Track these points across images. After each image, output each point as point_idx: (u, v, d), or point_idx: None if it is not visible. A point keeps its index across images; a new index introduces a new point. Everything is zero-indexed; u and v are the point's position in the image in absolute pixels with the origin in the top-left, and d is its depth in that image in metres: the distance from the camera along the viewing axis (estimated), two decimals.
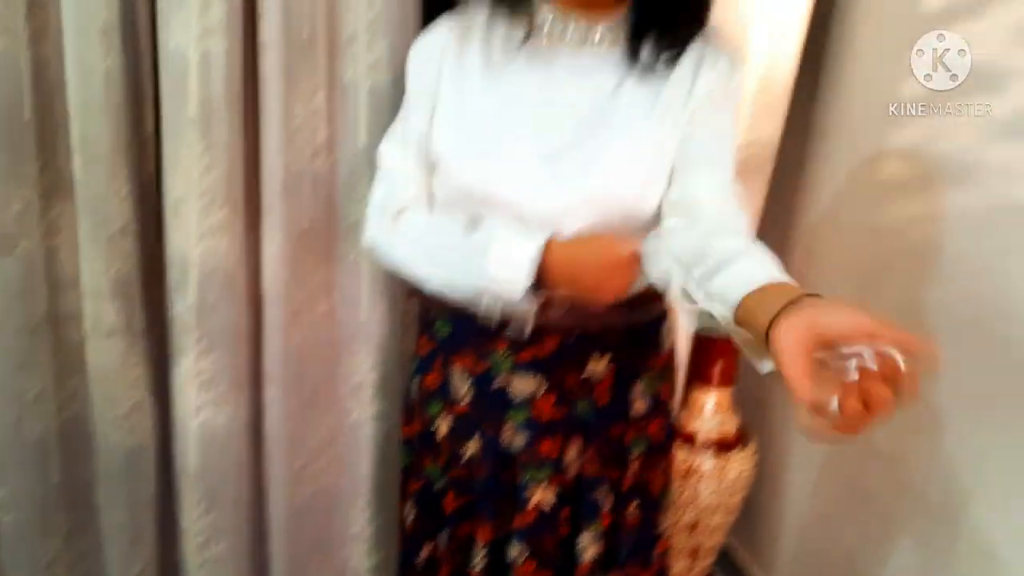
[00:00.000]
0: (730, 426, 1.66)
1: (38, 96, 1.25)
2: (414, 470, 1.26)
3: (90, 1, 1.17)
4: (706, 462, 1.62)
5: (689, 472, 1.63)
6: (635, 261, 0.96)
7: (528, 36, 1.05)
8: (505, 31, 1.06)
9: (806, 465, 1.68)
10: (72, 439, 1.44)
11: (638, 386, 1.13)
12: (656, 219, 1.03)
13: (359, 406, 1.47)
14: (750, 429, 1.72)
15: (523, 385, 1.08)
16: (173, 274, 1.30)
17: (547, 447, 1.10)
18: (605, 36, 1.03)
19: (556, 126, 1.02)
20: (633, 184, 1.01)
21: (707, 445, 1.63)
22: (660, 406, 1.18)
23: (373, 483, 1.51)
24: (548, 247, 0.96)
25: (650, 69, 1.01)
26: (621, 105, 1.02)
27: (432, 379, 1.17)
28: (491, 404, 1.10)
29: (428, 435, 1.19)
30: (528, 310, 1.02)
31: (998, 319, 1.16)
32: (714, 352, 1.60)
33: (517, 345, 1.07)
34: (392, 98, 1.26)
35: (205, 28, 1.17)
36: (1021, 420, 1.13)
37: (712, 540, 1.73)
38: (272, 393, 1.41)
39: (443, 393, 1.15)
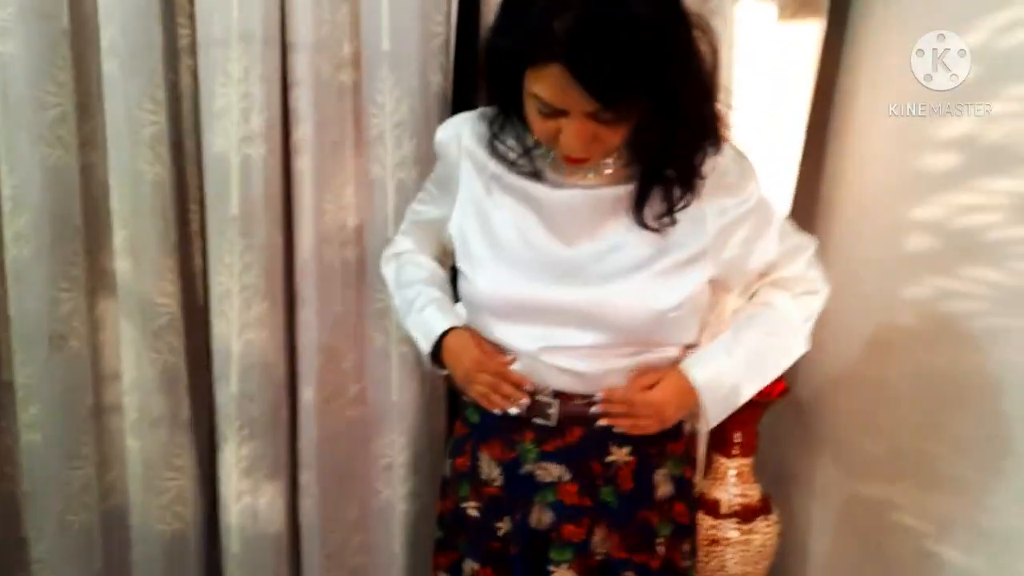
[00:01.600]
0: (753, 495, 1.66)
1: (86, 201, 1.35)
2: (446, 545, 1.27)
3: (139, 113, 1.27)
4: (731, 531, 1.63)
5: (715, 541, 1.65)
6: (499, 372, 1.08)
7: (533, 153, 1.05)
8: (515, 142, 1.05)
9: (828, 534, 1.69)
10: (114, 527, 1.48)
11: (661, 471, 1.15)
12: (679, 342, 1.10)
13: (389, 486, 1.51)
14: (772, 498, 1.74)
15: (549, 472, 1.11)
16: (217, 365, 1.37)
17: (571, 531, 1.12)
18: (606, 166, 1.03)
19: (563, 250, 1.04)
20: (643, 308, 1.03)
21: (731, 514, 1.64)
22: (684, 487, 1.19)
23: (405, 562, 1.54)
24: (448, 334, 1.12)
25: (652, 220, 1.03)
26: (628, 239, 1.03)
27: (462, 462, 1.19)
28: (520, 487, 1.13)
29: (460, 512, 1.22)
30: (553, 403, 1.08)
31: (1004, 390, 1.18)
32: (734, 422, 1.63)
33: (543, 436, 1.10)
34: (417, 192, 1.34)
35: (245, 135, 1.27)
36: None
37: None
38: (306, 478, 1.46)
39: (473, 475, 1.18)
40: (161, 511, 1.45)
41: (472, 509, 1.18)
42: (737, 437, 1.61)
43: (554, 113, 0.91)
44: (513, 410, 1.08)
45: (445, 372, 1.18)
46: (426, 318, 1.16)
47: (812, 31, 1.46)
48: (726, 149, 1.03)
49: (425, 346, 1.15)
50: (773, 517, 1.69)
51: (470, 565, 1.19)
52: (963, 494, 1.26)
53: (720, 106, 0.99)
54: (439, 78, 1.34)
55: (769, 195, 1.11)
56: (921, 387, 1.36)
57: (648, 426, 1.08)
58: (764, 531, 1.66)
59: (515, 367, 1.08)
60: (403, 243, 1.25)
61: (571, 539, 1.12)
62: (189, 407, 1.43)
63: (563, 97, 0.88)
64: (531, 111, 0.94)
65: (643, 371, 1.07)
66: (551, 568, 1.13)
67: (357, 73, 1.34)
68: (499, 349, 1.09)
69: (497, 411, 1.09)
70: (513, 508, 1.14)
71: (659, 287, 1.03)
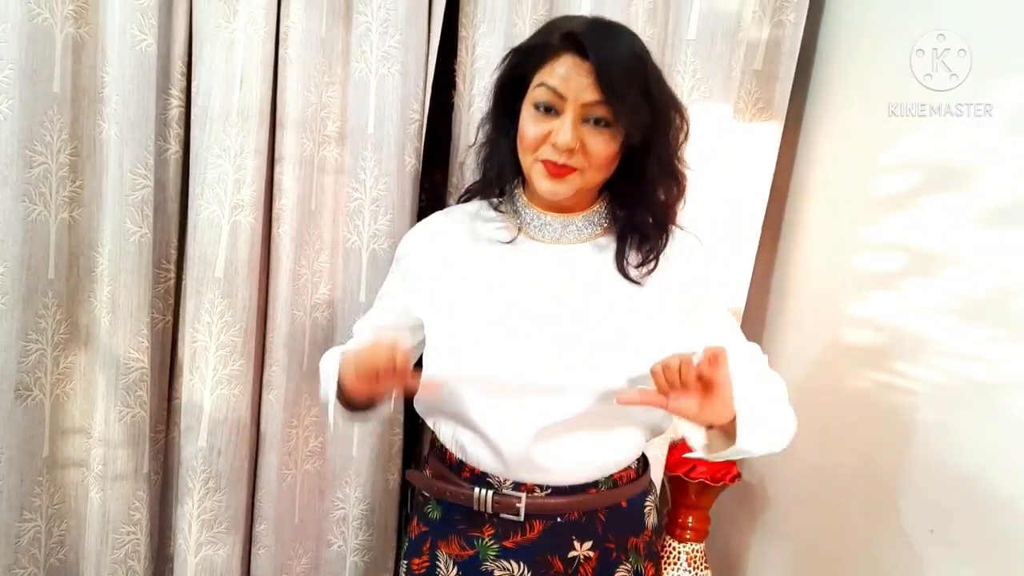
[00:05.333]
0: None
1: (63, 256, 1.38)
2: None
3: (131, 177, 1.33)
4: None
5: None
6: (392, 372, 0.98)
7: (514, 231, 1.14)
8: (492, 226, 1.16)
9: None
10: None
11: (623, 567, 1.15)
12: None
13: (341, 538, 1.58)
14: None
15: (509, 571, 1.10)
16: (186, 420, 1.42)
17: None
18: (583, 229, 1.12)
19: (547, 315, 1.08)
20: (622, 368, 1.06)
21: None
22: None
23: None
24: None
25: (632, 269, 1.11)
26: (606, 296, 1.10)
27: (419, 563, 1.18)
28: None
29: None
30: (520, 497, 1.08)
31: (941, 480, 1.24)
32: (687, 506, 1.67)
33: (503, 531, 1.10)
34: (389, 263, 1.44)
35: (236, 203, 1.36)
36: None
37: None
38: (262, 529, 1.51)
39: None
40: (115, 566, 1.46)
41: None
42: (690, 521, 1.67)
43: (550, 112, 1.02)
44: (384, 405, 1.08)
45: (356, 414, 1.13)
46: (325, 364, 1.15)
47: (770, 133, 1.55)
48: (689, 234, 1.16)
49: (330, 382, 1.10)
50: None
51: None
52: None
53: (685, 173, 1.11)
54: (413, 160, 1.47)
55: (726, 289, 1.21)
56: (864, 476, 1.41)
57: (700, 402, 0.96)
58: None
59: (494, 465, 1.09)
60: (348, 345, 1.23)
61: None
62: (148, 461, 1.46)
63: (567, 84, 1.00)
64: (527, 119, 1.05)
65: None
66: None
67: (340, 150, 1.45)
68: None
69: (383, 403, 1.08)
70: None
71: (624, 360, 1.06)
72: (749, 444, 0.97)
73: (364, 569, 1.60)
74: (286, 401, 1.48)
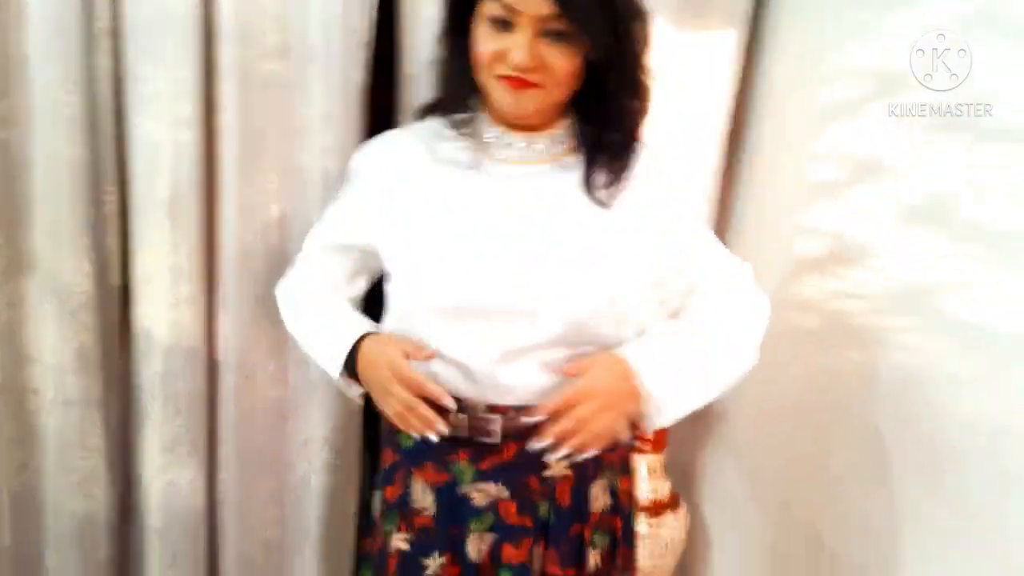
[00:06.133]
0: (663, 490, 1.71)
1: (3, 180, 1.32)
2: None
3: (58, 91, 1.26)
4: (641, 526, 1.65)
5: None
6: (413, 383, 1.02)
7: (476, 152, 1.09)
8: (453, 147, 1.10)
9: (731, 530, 1.75)
10: (24, 506, 1.46)
11: (598, 483, 1.12)
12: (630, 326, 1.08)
13: (306, 460, 1.57)
14: (680, 495, 1.78)
15: (486, 493, 1.08)
16: (139, 344, 1.39)
17: (511, 553, 1.08)
18: (548, 149, 1.07)
19: (515, 236, 1.04)
20: (592, 291, 1.03)
21: (641, 508, 1.66)
22: (621, 500, 1.17)
23: (319, 535, 1.61)
24: (360, 345, 1.09)
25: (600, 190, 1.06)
26: (573, 217, 1.05)
27: (392, 491, 1.15)
28: (454, 515, 1.09)
29: (387, 549, 1.15)
30: (495, 419, 1.05)
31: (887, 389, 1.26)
32: None
33: (478, 454, 1.07)
34: (342, 182, 1.39)
35: (177, 119, 1.29)
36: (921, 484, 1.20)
37: None
38: (225, 452, 1.51)
39: (403, 504, 1.13)
40: (73, 490, 1.45)
41: (401, 542, 1.12)
42: (649, 434, 1.62)
43: (505, 26, 0.96)
44: (432, 436, 1.03)
45: (361, 391, 1.15)
46: (336, 329, 1.13)
47: (727, 42, 1.51)
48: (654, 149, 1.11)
49: (338, 355, 1.11)
50: (681, 513, 1.74)
51: None
52: (853, 489, 1.32)
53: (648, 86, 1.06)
54: (360, 73, 1.40)
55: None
56: (814, 388, 1.43)
57: (593, 434, 0.99)
58: (672, 526, 1.70)
59: (465, 387, 1.05)
60: (304, 270, 1.24)
61: (511, 561, 1.09)
62: (101, 387, 1.43)
63: None
64: (481, 35, 0.99)
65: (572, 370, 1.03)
66: None
67: (282, 64, 1.37)
68: (423, 346, 1.05)
69: (415, 434, 1.06)
70: (446, 542, 1.10)
71: (596, 284, 1.03)
72: (671, 411, 1.03)
73: (330, 491, 1.60)
74: (242, 324, 1.44)
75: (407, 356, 1.03)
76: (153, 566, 1.48)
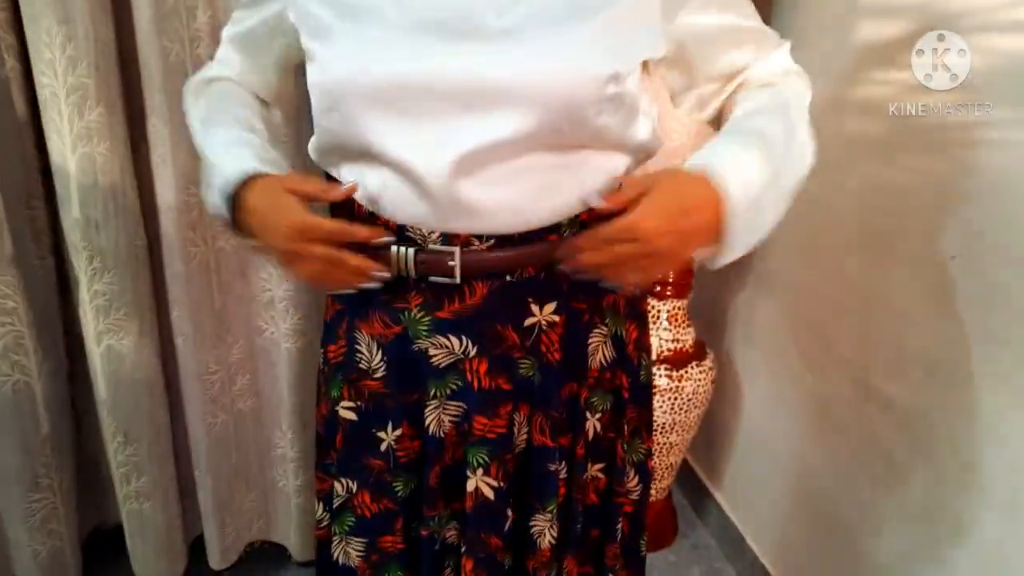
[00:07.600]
0: (686, 339, 1.54)
1: None
2: (323, 467, 1.00)
3: None
4: (660, 379, 1.52)
5: None
6: (313, 229, 0.75)
7: None
8: None
9: (764, 375, 1.59)
10: None
11: (597, 331, 0.88)
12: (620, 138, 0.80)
13: (272, 323, 1.38)
14: (708, 342, 1.62)
15: (449, 348, 0.84)
16: (58, 189, 1.19)
17: (483, 423, 0.85)
18: None
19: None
20: (582, 67, 0.73)
21: (661, 360, 1.53)
22: (628, 352, 0.92)
23: (294, 402, 1.43)
24: (243, 194, 0.78)
25: None
26: None
27: (335, 350, 0.92)
28: (409, 378, 0.86)
29: (334, 418, 0.93)
30: (452, 252, 0.78)
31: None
32: None
33: (435, 300, 0.82)
34: None
35: None
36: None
37: (668, 460, 1.63)
38: (176, 315, 1.32)
39: (348, 365, 0.90)
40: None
41: (347, 411, 0.90)
42: (669, 276, 1.48)
43: None
44: (374, 285, 0.80)
45: (255, 243, 0.82)
46: (224, 160, 0.81)
47: None
48: None
49: (216, 207, 0.81)
50: (707, 363, 1.60)
51: (344, 483, 0.90)
52: (912, 327, 1.13)
53: None
54: None
55: None
56: (869, 208, 1.21)
57: (648, 265, 0.74)
58: (696, 378, 1.57)
59: (415, 209, 0.78)
60: (217, 69, 0.95)
61: (485, 434, 0.85)
62: (11, 241, 1.21)
63: None
64: None
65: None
66: (468, 474, 0.86)
67: None
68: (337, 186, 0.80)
69: (348, 290, 0.83)
70: (401, 410, 0.87)
71: (588, 46, 0.73)
72: (743, 245, 0.76)
73: (299, 355, 1.41)
74: (173, 161, 1.23)
75: (306, 197, 0.76)
76: (108, 445, 1.34)
